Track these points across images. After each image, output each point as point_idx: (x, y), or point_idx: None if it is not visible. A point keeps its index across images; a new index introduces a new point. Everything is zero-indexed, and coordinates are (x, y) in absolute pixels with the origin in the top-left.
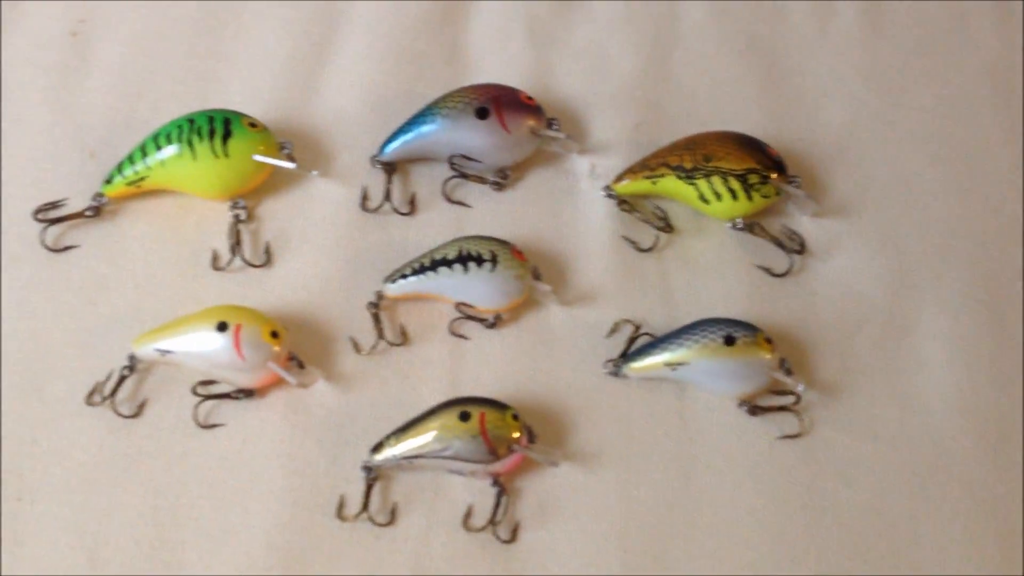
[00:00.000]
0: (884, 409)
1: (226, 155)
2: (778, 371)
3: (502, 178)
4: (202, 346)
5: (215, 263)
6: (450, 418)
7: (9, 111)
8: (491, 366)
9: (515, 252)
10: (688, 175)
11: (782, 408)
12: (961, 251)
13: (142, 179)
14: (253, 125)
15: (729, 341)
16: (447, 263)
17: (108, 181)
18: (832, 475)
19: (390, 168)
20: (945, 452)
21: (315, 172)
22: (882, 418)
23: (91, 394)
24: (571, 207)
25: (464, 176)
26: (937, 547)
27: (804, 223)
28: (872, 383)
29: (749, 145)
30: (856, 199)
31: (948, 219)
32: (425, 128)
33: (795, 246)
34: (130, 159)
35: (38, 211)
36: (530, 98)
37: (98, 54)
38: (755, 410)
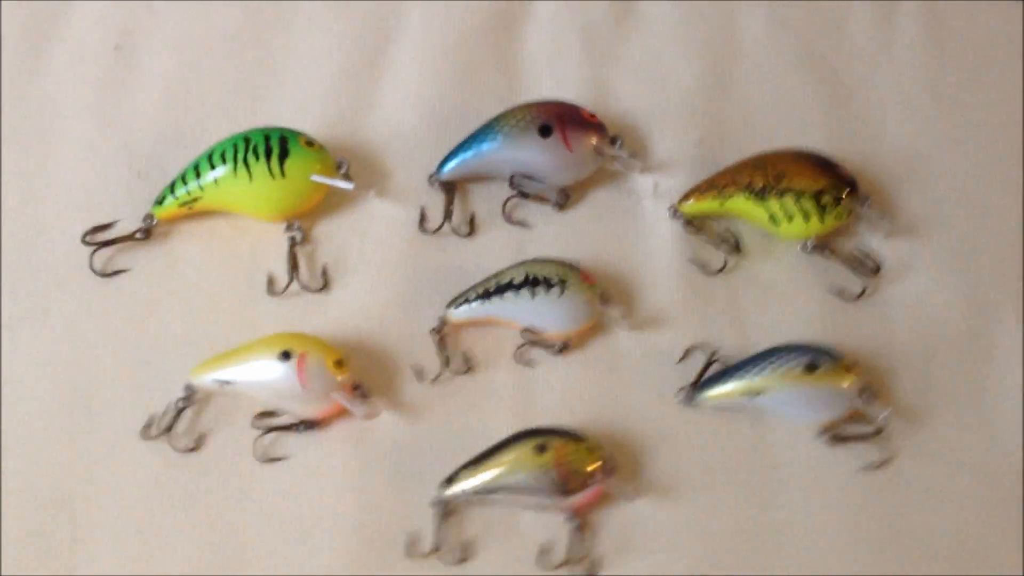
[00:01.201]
0: (968, 435)
1: (283, 175)
2: (859, 399)
3: (563, 198)
4: (264, 376)
5: (271, 287)
6: (525, 450)
7: (55, 128)
8: (560, 394)
9: (584, 275)
10: (758, 195)
11: (864, 437)
12: None
13: (195, 200)
14: (310, 144)
15: (810, 368)
16: (513, 287)
17: (159, 202)
18: (917, 505)
19: (449, 187)
20: None
21: (372, 192)
22: (966, 445)
23: (147, 427)
24: (634, 227)
25: (525, 195)
26: None
27: (876, 244)
28: (954, 408)
29: (821, 164)
30: (927, 218)
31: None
32: (485, 146)
33: (869, 268)
34: (182, 179)
35: (87, 235)
36: (592, 115)
37: (144, 68)
38: (836, 439)
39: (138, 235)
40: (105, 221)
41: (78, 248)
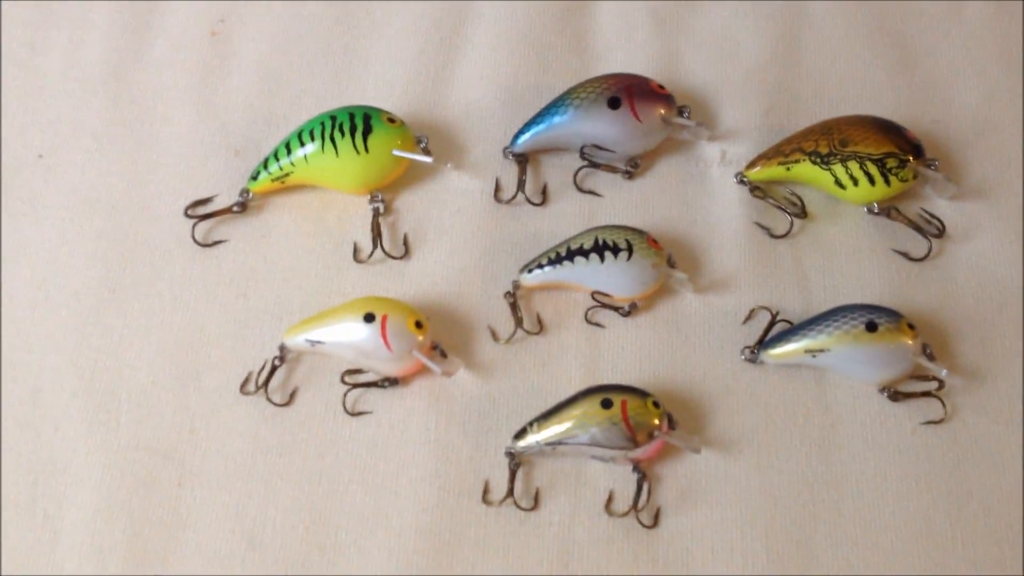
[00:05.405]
0: None
1: (367, 151)
2: (921, 357)
3: (632, 167)
4: (350, 336)
5: (356, 255)
6: (592, 405)
7: (157, 111)
8: (627, 354)
9: (651, 241)
10: (824, 160)
11: (925, 394)
12: None
13: (286, 175)
14: (392, 120)
15: (871, 327)
16: (583, 252)
17: (254, 177)
18: (977, 460)
19: (522, 159)
20: None
21: (449, 165)
22: None
23: (245, 384)
24: (702, 194)
25: (595, 165)
26: None
27: (941, 206)
28: (1015, 367)
29: (886, 129)
30: (995, 181)
31: None
32: (557, 119)
33: (934, 230)
34: (275, 155)
35: (188, 208)
36: (661, 87)
37: (237, 53)
38: (897, 396)
39: (235, 208)
40: (204, 196)
41: (181, 221)
